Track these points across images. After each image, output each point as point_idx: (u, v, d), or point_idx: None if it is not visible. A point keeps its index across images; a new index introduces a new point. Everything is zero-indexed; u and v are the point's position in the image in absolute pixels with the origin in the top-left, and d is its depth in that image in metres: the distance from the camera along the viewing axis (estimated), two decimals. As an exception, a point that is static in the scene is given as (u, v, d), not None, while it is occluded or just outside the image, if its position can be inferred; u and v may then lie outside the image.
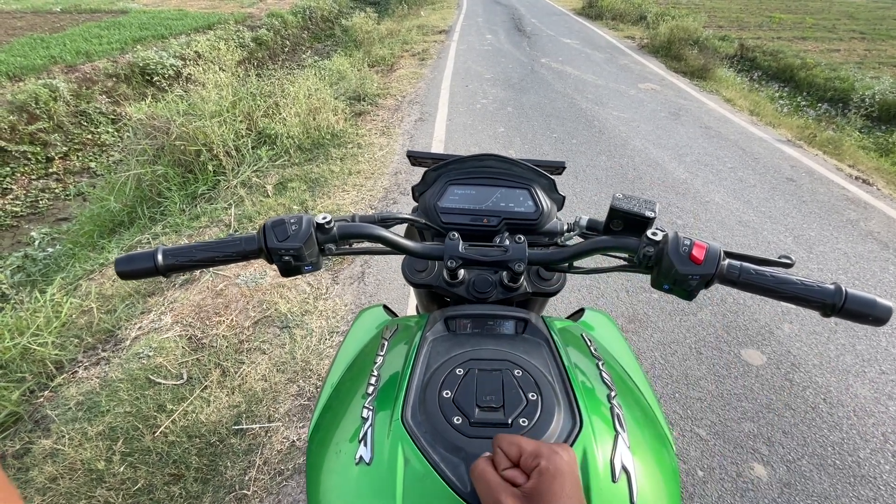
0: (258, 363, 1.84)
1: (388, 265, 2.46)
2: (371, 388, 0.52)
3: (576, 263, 0.65)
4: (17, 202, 4.83)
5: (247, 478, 1.43)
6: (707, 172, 3.68)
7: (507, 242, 0.66)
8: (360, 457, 0.45)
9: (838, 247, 2.80)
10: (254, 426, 1.59)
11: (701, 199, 3.25)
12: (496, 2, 13.48)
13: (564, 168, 0.85)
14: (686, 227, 2.90)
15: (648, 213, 0.58)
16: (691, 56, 7.10)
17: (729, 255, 0.56)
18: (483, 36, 8.75)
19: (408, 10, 11.48)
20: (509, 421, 0.44)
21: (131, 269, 0.57)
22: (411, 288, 2.24)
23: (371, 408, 0.49)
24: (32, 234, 4.01)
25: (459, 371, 0.50)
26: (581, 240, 0.73)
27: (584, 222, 0.72)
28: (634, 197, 0.61)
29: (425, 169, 0.80)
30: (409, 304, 2.18)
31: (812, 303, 0.51)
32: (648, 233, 0.57)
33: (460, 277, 0.69)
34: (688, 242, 0.54)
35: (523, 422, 0.44)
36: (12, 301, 2.52)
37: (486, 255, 0.62)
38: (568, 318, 0.82)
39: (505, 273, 0.68)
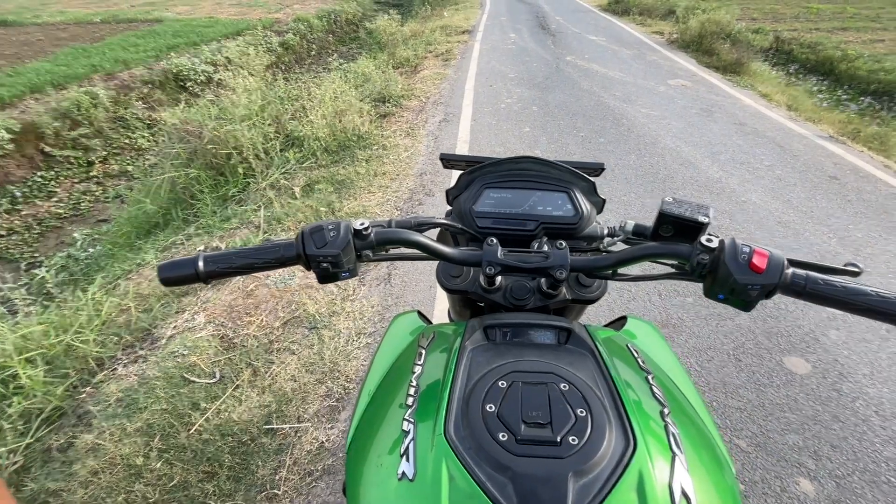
0: (288, 363, 1.86)
1: (415, 267, 2.45)
2: (410, 400, 0.50)
3: (620, 270, 0.62)
4: (61, 204, 5.07)
5: (277, 477, 1.45)
6: (743, 171, 3.54)
7: (546, 248, 0.63)
8: (403, 472, 0.43)
9: (888, 248, 2.64)
10: (284, 426, 1.61)
11: (737, 199, 3.13)
12: (520, 0, 13.37)
13: (603, 170, 0.82)
14: (722, 228, 2.79)
15: (702, 219, 0.55)
16: (724, 50, 6.86)
17: (791, 262, 0.52)
18: (506, 35, 8.68)
19: (431, 12, 11.51)
20: (558, 439, 0.42)
21: (174, 275, 0.57)
22: (440, 291, 2.24)
23: (412, 420, 0.47)
24: (75, 235, 4.19)
25: (502, 384, 0.48)
26: (624, 245, 0.70)
27: (629, 227, 0.68)
28: (686, 201, 0.57)
29: (459, 172, 0.78)
30: (436, 306, 2.17)
31: (890, 316, 0.47)
32: (702, 239, 0.53)
33: (497, 284, 0.67)
34: (747, 249, 0.50)
35: (573, 440, 0.42)
36: (57, 300, 2.64)
37: (526, 261, 0.60)
38: (607, 325, 0.78)
39: (544, 280, 0.65)
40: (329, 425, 1.62)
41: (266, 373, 1.82)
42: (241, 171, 3.64)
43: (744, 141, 4.11)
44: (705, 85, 5.77)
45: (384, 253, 0.64)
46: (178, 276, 0.57)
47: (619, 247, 0.70)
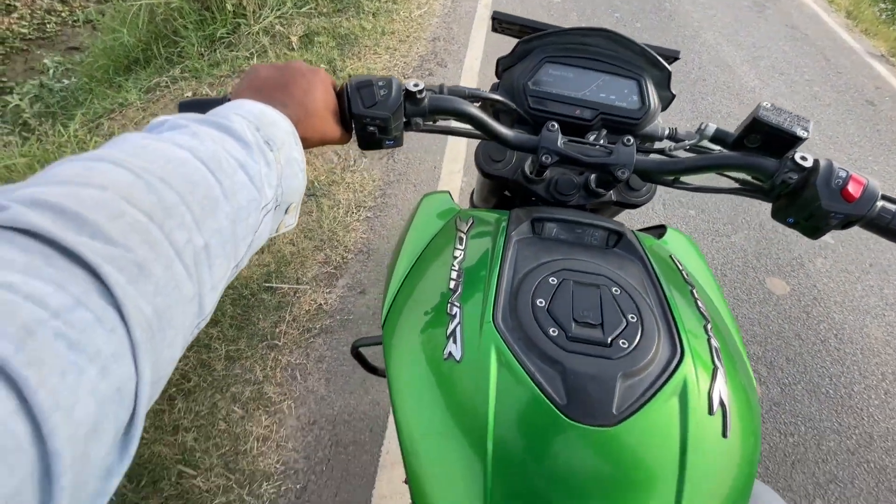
0: (286, 227, 1.85)
1: (420, 143, 2.33)
2: (453, 284, 0.49)
3: (683, 178, 0.57)
4: (24, 23, 4.48)
5: (277, 330, 1.54)
6: (780, 83, 3.28)
7: (604, 142, 0.56)
8: (450, 353, 0.43)
9: (899, 186, 2.60)
10: (283, 286, 1.66)
11: (765, 114, 2.95)
12: None
13: (678, 59, 0.71)
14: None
15: (800, 132, 0.49)
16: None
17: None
18: None
19: None
20: (609, 341, 0.42)
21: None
22: (445, 172, 2.17)
23: (458, 305, 0.47)
24: (45, 61, 3.79)
25: (553, 280, 0.46)
26: (685, 152, 0.63)
27: (710, 131, 0.60)
28: (784, 110, 0.50)
29: (485, 56, 0.66)
30: (438, 188, 2.12)
31: None
32: (796, 156, 0.48)
33: (543, 175, 0.62)
34: (843, 174, 0.46)
35: (623, 343, 0.42)
36: (37, 132, 2.48)
37: (588, 154, 0.54)
38: (645, 230, 0.76)
39: (594, 177, 0.60)
40: (327, 290, 1.68)
41: (264, 234, 1.82)
42: (230, 7, 3.19)
43: (790, 47, 3.73)
44: (766, -27, 5.03)
45: (432, 123, 0.57)
46: None
47: (683, 154, 0.64)
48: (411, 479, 0.44)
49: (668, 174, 0.55)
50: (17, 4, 4.69)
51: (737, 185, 0.56)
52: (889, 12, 5.75)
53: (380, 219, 1.95)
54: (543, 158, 0.54)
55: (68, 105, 3.24)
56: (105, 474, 0.22)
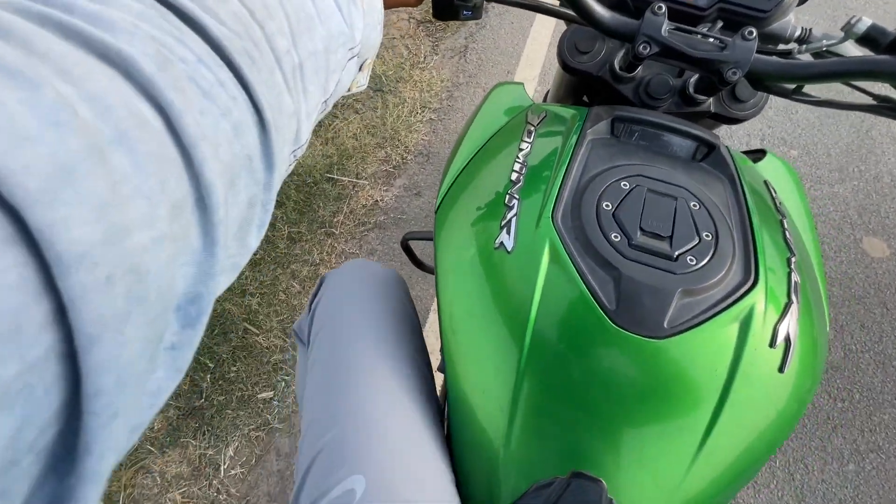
0: (351, 121, 1.86)
1: (496, 43, 2.16)
2: (515, 176, 0.47)
3: (807, 89, 0.48)
4: None
5: (335, 220, 1.62)
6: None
7: (719, 35, 0.47)
8: (501, 243, 0.43)
9: None
10: (343, 178, 1.71)
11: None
12: None
13: None
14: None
15: None
16: None
17: None
18: None
19: None
20: (675, 255, 0.39)
21: None
22: (519, 74, 2.01)
23: (517, 197, 0.45)
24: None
25: (625, 185, 0.43)
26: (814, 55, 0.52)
27: (862, 27, 0.47)
28: None
29: None
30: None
31: None
32: None
33: (635, 73, 0.55)
34: None
35: (691, 260, 0.39)
36: None
37: (695, 47, 0.45)
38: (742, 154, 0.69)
39: (694, 80, 0.53)
40: (384, 188, 1.71)
41: (329, 125, 1.84)
42: None
43: None
44: None
45: None
46: None
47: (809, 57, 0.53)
48: (447, 359, 0.46)
49: (792, 80, 0.46)
50: None
51: (877, 103, 0.46)
52: None
53: (443, 122, 1.90)
54: (641, 48, 0.46)
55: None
56: (240, 240, 0.21)
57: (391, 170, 1.76)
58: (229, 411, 1.27)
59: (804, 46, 0.52)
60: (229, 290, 1.45)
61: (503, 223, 0.44)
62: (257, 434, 1.24)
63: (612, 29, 0.48)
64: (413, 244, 0.75)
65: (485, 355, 0.43)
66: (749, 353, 0.38)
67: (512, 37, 2.19)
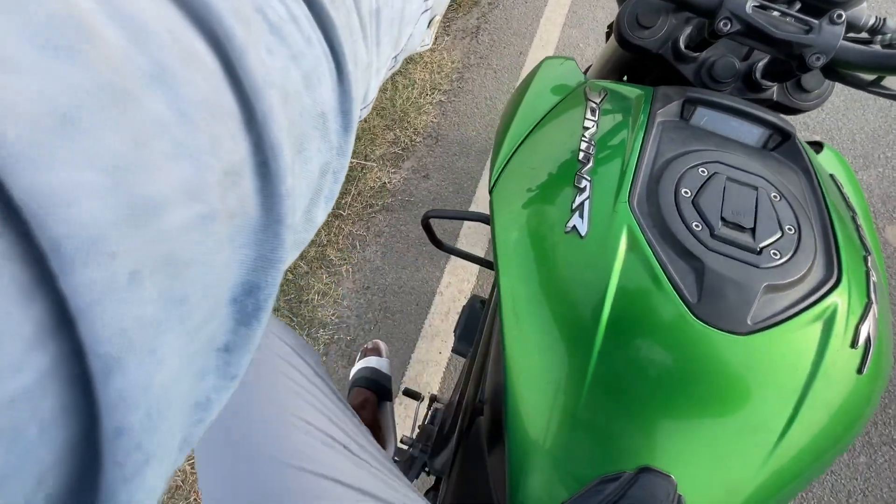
0: (360, 102, 1.84)
1: (508, 24, 2.11)
2: (583, 155, 0.45)
3: (889, 81, 0.46)
4: None
5: (343, 201, 1.62)
6: None
7: (803, 17, 0.45)
8: (574, 227, 0.41)
9: None
10: (352, 160, 1.70)
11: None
12: None
13: None
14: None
15: None
16: None
17: None
18: None
19: None
20: (758, 248, 0.38)
21: None
22: (531, 59, 1.97)
23: (588, 179, 0.43)
24: None
25: (703, 171, 0.42)
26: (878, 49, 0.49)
27: None
28: None
29: None
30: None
31: None
32: None
33: (701, 53, 0.52)
34: None
35: (774, 254, 0.38)
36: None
37: (780, 27, 0.43)
38: None
39: (762, 64, 0.50)
40: (392, 170, 1.70)
41: (339, 106, 1.83)
42: None
43: None
44: None
45: None
46: None
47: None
48: (506, 344, 0.44)
49: (877, 71, 0.44)
50: None
51: None
52: None
53: (453, 104, 1.87)
54: (722, 24, 0.43)
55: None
56: (307, 213, 0.18)
57: (400, 152, 1.75)
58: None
59: (882, 37, 0.49)
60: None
61: (574, 206, 0.42)
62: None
63: (691, 2, 0.44)
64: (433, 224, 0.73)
65: (551, 343, 0.41)
66: (831, 353, 0.37)
67: (525, 17, 2.14)
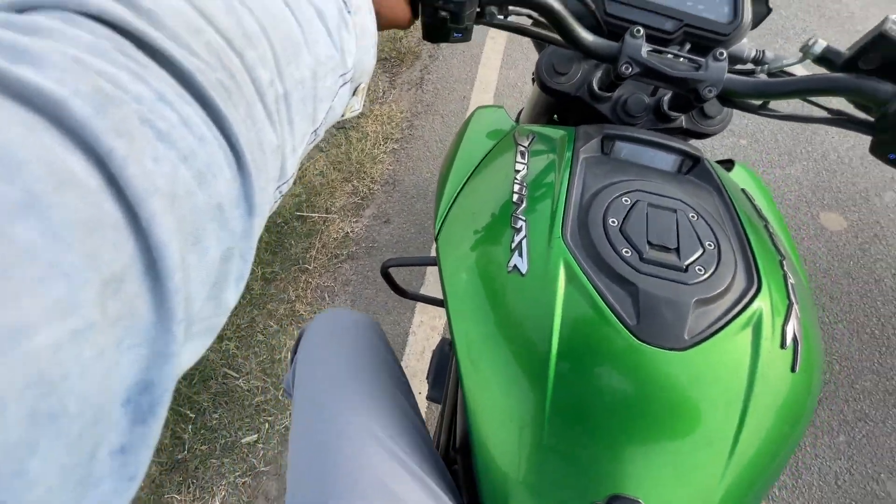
0: (316, 159, 1.91)
1: (449, 72, 2.26)
2: (517, 197, 0.48)
3: (773, 104, 0.52)
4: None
5: (308, 255, 1.64)
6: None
7: (692, 56, 0.51)
8: (515, 266, 0.43)
9: None
10: (313, 215, 1.74)
11: (850, 28, 2.55)
12: None
13: None
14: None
15: None
16: None
17: None
18: None
19: None
20: (684, 265, 0.41)
21: None
22: (473, 102, 2.10)
23: (524, 219, 0.45)
24: None
25: (626, 200, 0.45)
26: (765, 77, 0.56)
27: (818, 48, 0.52)
28: None
29: None
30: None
31: None
32: None
33: (613, 92, 0.58)
34: None
35: (699, 270, 0.41)
36: None
37: (674, 68, 0.48)
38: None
39: (668, 97, 0.56)
40: (354, 219, 1.75)
41: (296, 166, 1.89)
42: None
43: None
44: None
45: (502, 19, 0.52)
46: None
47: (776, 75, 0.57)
48: (466, 388, 0.44)
49: (760, 97, 0.50)
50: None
51: (832, 116, 0.50)
52: None
53: (406, 150, 1.96)
54: (623, 68, 0.48)
55: None
56: (214, 299, 0.18)
57: (359, 201, 1.80)
58: (214, 460, 1.24)
59: (764, 67, 0.56)
60: (207, 337, 1.45)
61: (513, 245, 0.44)
62: (243, 480, 1.22)
63: (595, 51, 0.50)
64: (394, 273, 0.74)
65: (507, 382, 0.42)
66: (764, 355, 0.39)
67: (464, 64, 2.30)
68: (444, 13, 0.43)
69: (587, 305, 0.39)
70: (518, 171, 0.51)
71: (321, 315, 0.68)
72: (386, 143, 1.98)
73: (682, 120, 0.61)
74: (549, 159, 0.52)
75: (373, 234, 1.71)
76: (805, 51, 0.52)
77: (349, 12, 0.32)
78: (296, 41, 0.24)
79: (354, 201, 1.80)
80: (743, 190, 0.57)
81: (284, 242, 1.66)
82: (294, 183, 1.82)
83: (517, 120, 0.94)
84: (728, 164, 0.68)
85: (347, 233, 1.71)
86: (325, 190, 1.81)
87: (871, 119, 0.47)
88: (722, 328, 0.39)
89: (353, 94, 0.37)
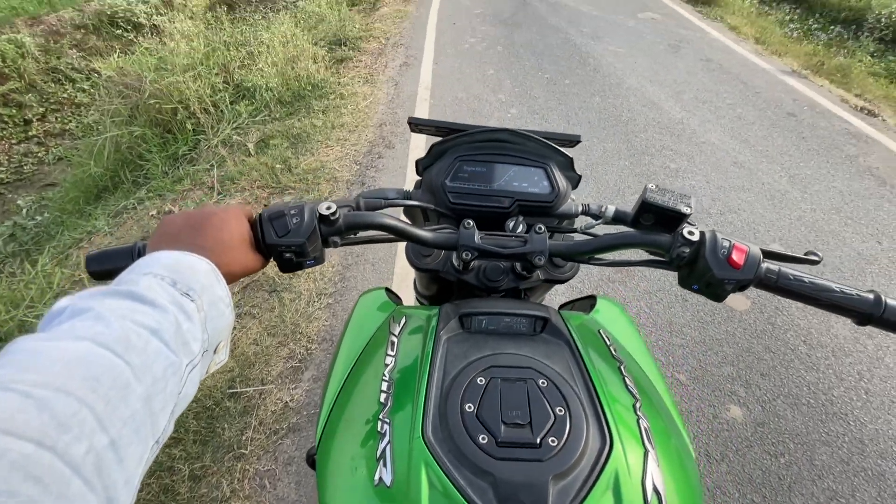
0: (249, 328, 1.87)
1: (375, 224, 2.43)
2: (384, 397, 0.49)
3: (598, 255, 0.61)
4: (1, 168, 4.71)
5: (244, 438, 1.51)
6: (705, 111, 3.53)
7: (521, 230, 0.61)
8: (380, 478, 0.42)
9: (834, 185, 2.75)
10: (248, 389, 1.65)
11: (697, 141, 3.15)
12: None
13: (579, 142, 0.77)
14: (680, 171, 2.83)
15: (684, 209, 0.53)
16: (697, -22, 6.58)
17: (764, 253, 0.52)
18: (473, -36, 8.07)
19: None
20: (538, 441, 0.42)
21: (105, 268, 0.50)
22: (401, 251, 2.24)
23: (388, 421, 0.46)
24: (18, 202, 3.95)
25: (481, 381, 0.47)
26: (601, 229, 0.68)
27: (610, 213, 0.66)
28: (669, 190, 0.56)
29: (429, 138, 0.73)
30: (396, 263, 2.18)
31: (850, 312, 0.49)
32: (684, 231, 0.52)
33: (471, 266, 0.66)
34: (727, 244, 0.49)
35: (552, 441, 0.42)
36: (6, 272, 2.54)
37: (504, 246, 0.58)
38: (575, 302, 0.79)
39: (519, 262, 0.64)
40: (293, 385, 1.67)
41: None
42: (189, 127, 3.42)
43: (708, 78, 4.07)
44: (675, 18, 5.59)
45: (353, 237, 0.59)
46: (112, 270, 0.49)
47: (597, 229, 0.69)
48: None
49: (580, 255, 0.59)
50: (-7, 154, 4.94)
51: (646, 259, 0.60)
52: (800, 29, 6.33)
53: (341, 303, 1.99)
54: (464, 255, 0.56)
55: (41, 240, 3.33)
56: None
57: (297, 364, 1.74)
58: None
59: (583, 223, 0.68)
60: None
61: (379, 455, 0.43)
62: None
63: (436, 245, 0.58)
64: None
65: None
66: None
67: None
68: (288, 254, 0.51)
69: None
70: (387, 366, 0.53)
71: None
72: (320, 298, 2.01)
73: (538, 273, 0.69)
74: (416, 346, 0.55)
75: (314, 398, 1.63)
76: (601, 214, 0.67)
77: (193, 299, 0.36)
78: (123, 383, 0.27)
79: (292, 365, 1.74)
80: (600, 331, 0.61)
81: (216, 428, 1.53)
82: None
83: (415, 285, 1.00)
84: (591, 299, 0.74)
85: (286, 402, 1.61)
86: (259, 360, 1.75)
87: (667, 261, 0.56)
88: (584, 500, 0.39)
89: (215, 352, 0.40)
